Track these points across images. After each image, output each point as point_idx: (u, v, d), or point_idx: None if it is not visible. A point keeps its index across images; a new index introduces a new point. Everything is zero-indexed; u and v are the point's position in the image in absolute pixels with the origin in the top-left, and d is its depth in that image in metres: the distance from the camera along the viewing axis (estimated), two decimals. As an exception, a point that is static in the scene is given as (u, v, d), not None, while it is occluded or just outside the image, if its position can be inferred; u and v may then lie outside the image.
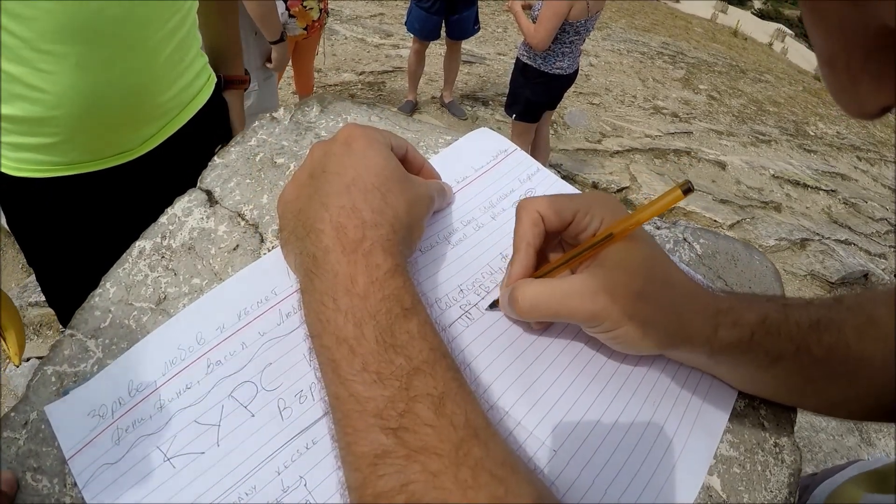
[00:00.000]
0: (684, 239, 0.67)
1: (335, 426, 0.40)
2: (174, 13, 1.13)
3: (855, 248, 4.95)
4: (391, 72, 5.69)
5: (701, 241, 0.67)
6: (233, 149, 0.68)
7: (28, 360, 2.38)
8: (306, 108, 0.74)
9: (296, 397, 0.44)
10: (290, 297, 0.50)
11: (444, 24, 4.52)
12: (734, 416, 0.54)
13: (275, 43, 2.78)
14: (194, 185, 0.64)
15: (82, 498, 0.42)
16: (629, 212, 0.49)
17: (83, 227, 1.23)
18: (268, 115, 0.73)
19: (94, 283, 0.55)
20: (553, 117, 4.56)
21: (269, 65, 2.89)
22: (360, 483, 0.36)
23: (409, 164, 0.55)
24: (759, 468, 0.51)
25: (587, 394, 0.49)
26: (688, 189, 0.42)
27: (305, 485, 0.41)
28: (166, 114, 1.21)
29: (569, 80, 3.65)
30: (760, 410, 0.55)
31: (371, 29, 6.62)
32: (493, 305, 0.53)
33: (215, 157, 0.67)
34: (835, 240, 4.90)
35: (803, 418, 2.92)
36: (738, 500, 0.48)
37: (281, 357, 0.47)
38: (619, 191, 4.58)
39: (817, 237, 4.82)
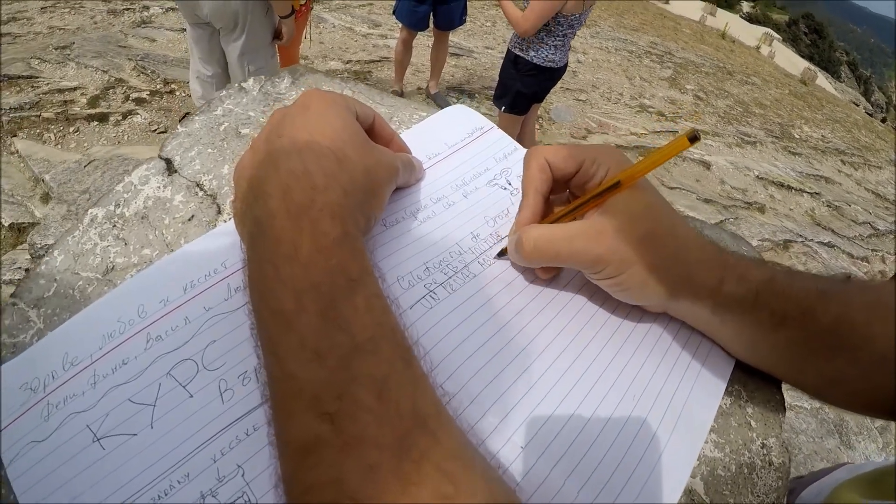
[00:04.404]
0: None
1: (271, 410, 0.36)
2: None
3: (838, 250, 4.98)
4: (378, 61, 5.65)
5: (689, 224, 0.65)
6: (197, 118, 0.64)
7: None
8: (276, 80, 0.71)
9: (238, 378, 0.41)
10: (240, 270, 0.47)
11: (432, 15, 4.49)
12: (720, 415, 0.51)
13: (285, 17, 2.95)
14: None
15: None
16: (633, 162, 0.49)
17: None
18: (236, 84, 0.70)
19: None
20: (538, 111, 4.53)
21: (280, 40, 3.06)
22: (290, 474, 0.33)
23: (377, 135, 0.53)
24: (746, 471, 0.49)
25: (561, 384, 0.46)
26: (694, 137, 0.41)
27: (243, 475, 0.37)
28: None
29: (559, 73, 3.63)
30: (748, 409, 0.52)
31: (359, 18, 6.58)
32: (502, 254, 0.53)
33: (178, 126, 0.64)
34: (818, 242, 4.92)
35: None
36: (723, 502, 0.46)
37: (226, 335, 0.43)
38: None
39: (801, 239, 4.83)
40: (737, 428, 0.51)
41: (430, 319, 0.46)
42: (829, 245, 4.98)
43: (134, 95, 4.30)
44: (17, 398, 0.41)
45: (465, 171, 0.59)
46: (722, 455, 0.49)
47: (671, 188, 4.93)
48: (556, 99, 5.71)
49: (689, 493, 0.45)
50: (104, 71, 4.41)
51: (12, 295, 0.50)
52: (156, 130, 4.11)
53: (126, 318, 0.43)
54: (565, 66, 3.64)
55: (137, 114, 4.15)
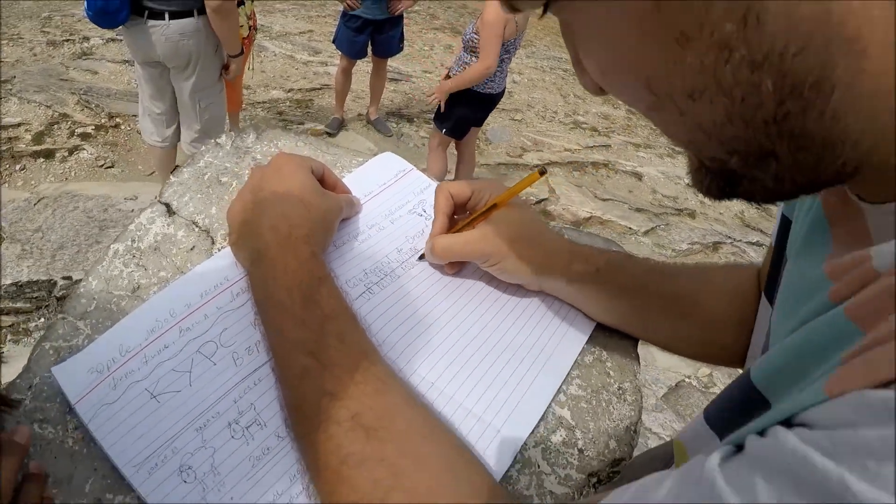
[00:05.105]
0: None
1: (274, 360, 0.58)
2: None
3: (765, 248, 5.16)
4: (319, 89, 5.79)
5: (566, 235, 0.86)
6: (185, 170, 0.84)
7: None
8: (244, 136, 0.90)
9: (246, 350, 0.61)
10: (238, 282, 0.67)
11: (370, 43, 4.68)
12: (583, 367, 0.72)
13: (235, 56, 3.08)
14: None
15: (82, 437, 0.57)
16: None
17: None
18: (213, 140, 0.89)
19: None
20: (477, 134, 4.73)
21: (226, 75, 3.16)
22: (289, 393, 0.55)
23: (326, 181, 0.74)
24: (604, 404, 0.70)
25: (461, 341, 0.68)
26: (543, 171, 0.65)
27: (254, 408, 0.58)
28: None
29: (498, 97, 3.88)
30: (607, 363, 0.74)
31: (300, 46, 6.69)
32: (422, 257, 0.75)
33: (171, 177, 0.83)
34: (746, 242, 5.07)
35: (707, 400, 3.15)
36: (585, 426, 0.67)
37: (234, 324, 0.63)
38: (539, 202, 4.74)
39: (729, 240, 5.00)
40: (597, 376, 0.72)
41: (369, 307, 0.68)
42: (758, 244, 5.16)
43: (79, 130, 4.36)
44: (85, 379, 0.59)
45: (392, 204, 0.81)
46: (585, 394, 0.70)
47: (604, 200, 5.09)
48: (493, 120, 5.82)
49: (559, 419, 0.66)
50: (47, 106, 4.44)
51: (60, 311, 0.68)
52: (103, 166, 4.13)
53: (162, 318, 0.63)
54: (504, 90, 3.86)
55: (84, 149, 4.21)
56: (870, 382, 0.25)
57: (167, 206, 0.79)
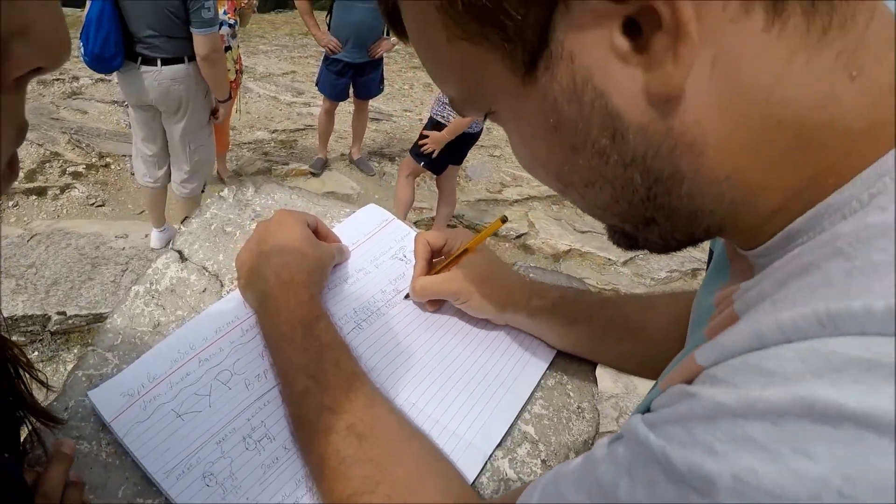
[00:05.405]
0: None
1: (279, 384, 0.70)
2: None
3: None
4: (302, 129, 5.92)
5: (531, 274, 0.98)
6: (194, 220, 0.96)
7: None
8: (244, 189, 1.02)
9: (256, 377, 0.73)
10: (248, 319, 0.78)
11: (351, 86, 4.84)
12: (546, 389, 0.83)
13: (223, 102, 3.25)
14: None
15: (114, 451, 0.67)
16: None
17: None
18: (216, 194, 1.01)
19: None
20: (457, 172, 4.83)
21: (215, 120, 3.32)
22: (295, 410, 0.66)
23: (319, 233, 0.86)
24: (564, 421, 0.80)
25: (439, 367, 0.79)
26: (504, 219, 0.79)
27: (265, 425, 0.69)
28: None
29: (476, 137, 4.04)
30: (567, 386, 0.85)
31: (283, 87, 6.84)
32: (407, 297, 0.87)
33: (182, 227, 0.95)
34: None
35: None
36: (547, 440, 0.77)
37: (245, 355, 0.75)
38: (519, 237, 4.85)
39: None
40: (559, 397, 0.83)
41: (359, 340, 0.80)
42: (735, 271, 5.25)
43: (70, 169, 4.46)
44: (118, 401, 0.69)
45: (376, 251, 0.93)
46: (548, 412, 0.80)
47: (583, 232, 5.10)
48: (472, 156, 5.88)
49: (524, 434, 0.77)
50: (39, 144, 4.55)
51: (90, 344, 0.79)
52: (94, 204, 4.22)
53: (183, 350, 0.74)
54: (481, 129, 4.02)
55: (75, 188, 4.31)
56: (680, 380, 0.37)
57: (180, 253, 0.90)
